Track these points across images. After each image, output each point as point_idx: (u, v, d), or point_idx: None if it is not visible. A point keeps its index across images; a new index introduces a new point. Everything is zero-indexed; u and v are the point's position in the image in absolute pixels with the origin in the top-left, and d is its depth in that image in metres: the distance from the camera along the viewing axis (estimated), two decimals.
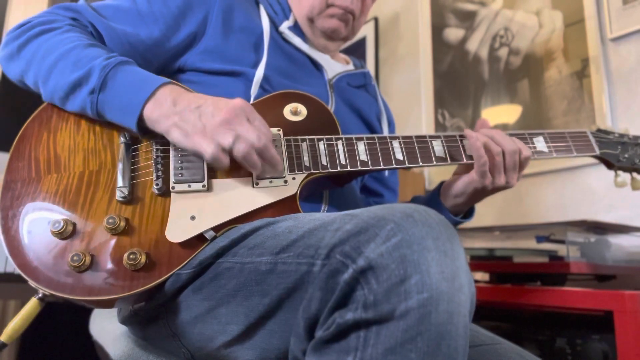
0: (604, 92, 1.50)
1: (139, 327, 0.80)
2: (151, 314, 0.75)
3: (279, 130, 0.79)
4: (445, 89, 2.02)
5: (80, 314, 1.15)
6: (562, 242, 1.15)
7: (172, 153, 0.74)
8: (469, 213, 0.95)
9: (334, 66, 1.01)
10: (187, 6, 0.87)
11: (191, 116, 0.69)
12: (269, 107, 0.82)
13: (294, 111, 0.82)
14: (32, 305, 0.69)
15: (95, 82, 0.72)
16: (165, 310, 0.72)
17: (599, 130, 0.98)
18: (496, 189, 0.86)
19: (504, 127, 1.78)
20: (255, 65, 0.87)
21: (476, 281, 1.39)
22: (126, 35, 0.83)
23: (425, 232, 0.51)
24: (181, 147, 0.71)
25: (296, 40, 0.95)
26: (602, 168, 1.01)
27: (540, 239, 1.20)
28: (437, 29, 2.10)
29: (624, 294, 0.94)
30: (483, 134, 0.85)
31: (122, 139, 0.75)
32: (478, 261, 1.32)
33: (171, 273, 0.68)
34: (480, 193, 0.87)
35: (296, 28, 0.98)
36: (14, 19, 1.86)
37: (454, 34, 2.03)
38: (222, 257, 0.67)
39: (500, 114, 1.81)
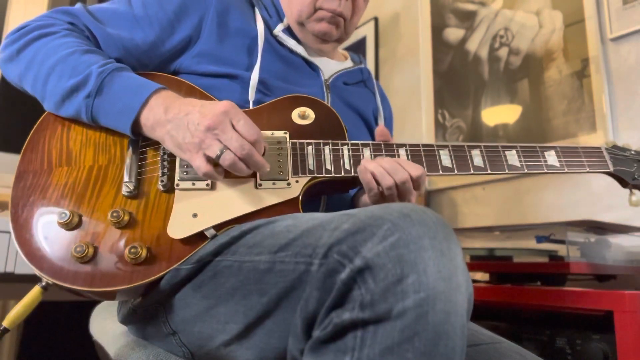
0: (604, 92, 1.50)
1: (139, 326, 0.81)
2: (151, 313, 0.75)
3: (285, 133, 0.80)
4: (445, 89, 2.02)
5: (81, 314, 1.15)
6: (562, 242, 1.15)
7: None
8: None
9: (330, 64, 1.01)
10: (182, 10, 0.87)
11: (181, 124, 0.71)
12: (277, 110, 0.83)
13: (302, 115, 0.83)
14: (34, 293, 0.71)
15: (92, 86, 0.74)
16: (165, 309, 0.73)
17: (615, 146, 0.95)
18: None
19: (503, 127, 1.78)
20: (249, 68, 0.88)
21: (476, 281, 1.39)
22: (121, 40, 0.84)
23: (422, 232, 0.51)
24: None
25: (291, 43, 0.95)
26: None
27: (540, 239, 1.20)
28: (437, 29, 2.10)
29: (624, 294, 0.94)
30: (376, 164, 0.78)
31: (131, 135, 0.76)
32: (478, 261, 1.31)
33: (171, 268, 0.69)
34: None
35: (290, 31, 0.98)
36: (14, 20, 1.87)
37: (454, 34, 2.03)
38: (222, 255, 0.68)
39: (500, 114, 1.80)
